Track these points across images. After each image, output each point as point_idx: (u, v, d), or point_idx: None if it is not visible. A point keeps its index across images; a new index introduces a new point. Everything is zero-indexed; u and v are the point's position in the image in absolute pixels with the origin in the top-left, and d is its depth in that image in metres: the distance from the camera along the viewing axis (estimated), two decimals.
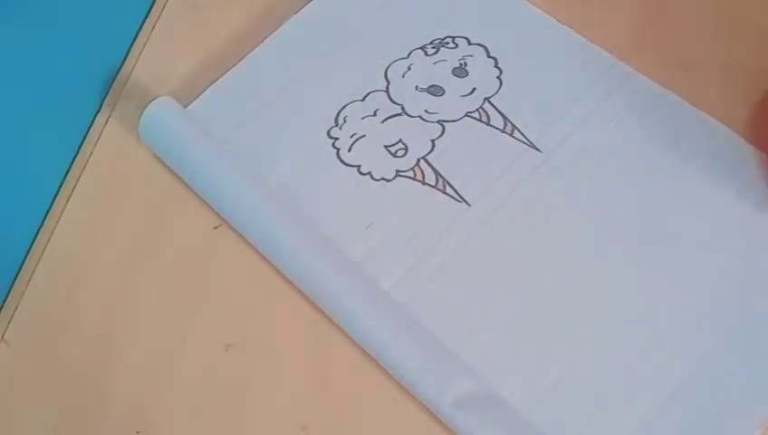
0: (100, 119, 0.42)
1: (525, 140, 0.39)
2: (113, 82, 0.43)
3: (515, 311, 0.35)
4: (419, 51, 0.42)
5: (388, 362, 0.34)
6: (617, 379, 0.33)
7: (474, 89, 0.40)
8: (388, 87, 0.41)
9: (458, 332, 0.34)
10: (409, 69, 0.41)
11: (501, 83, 0.40)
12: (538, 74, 0.40)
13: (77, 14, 0.43)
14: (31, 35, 0.41)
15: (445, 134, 0.39)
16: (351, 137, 0.39)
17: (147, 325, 0.36)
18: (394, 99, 0.40)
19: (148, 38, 0.44)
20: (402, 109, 0.40)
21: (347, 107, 0.40)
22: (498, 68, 0.41)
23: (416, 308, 0.35)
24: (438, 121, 0.40)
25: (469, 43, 0.42)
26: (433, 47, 0.42)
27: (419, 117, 0.40)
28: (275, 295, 0.37)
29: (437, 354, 0.34)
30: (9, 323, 0.37)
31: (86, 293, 0.37)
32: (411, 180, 0.38)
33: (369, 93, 0.41)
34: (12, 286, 0.38)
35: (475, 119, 0.39)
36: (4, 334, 0.37)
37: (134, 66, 0.43)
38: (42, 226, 0.39)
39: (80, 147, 0.41)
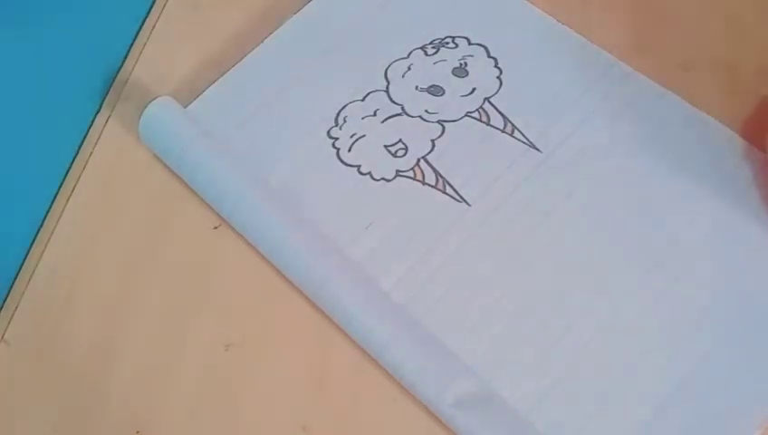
0: (100, 119, 0.42)
1: (525, 140, 0.39)
2: (113, 82, 0.43)
3: (515, 311, 0.35)
4: (419, 51, 0.42)
5: (388, 362, 0.34)
6: (617, 379, 0.33)
7: (474, 89, 0.40)
8: (388, 87, 0.41)
9: (458, 332, 0.34)
10: (409, 69, 0.41)
11: (501, 83, 0.40)
12: (538, 74, 0.40)
13: (77, 14, 0.43)
14: (31, 35, 0.41)
15: (445, 134, 0.39)
16: (351, 137, 0.39)
17: (147, 325, 0.36)
18: (394, 99, 0.40)
19: (148, 38, 0.44)
20: (402, 109, 0.40)
21: (347, 107, 0.40)
22: (498, 68, 0.41)
23: (416, 308, 0.35)
24: (438, 121, 0.40)
25: (469, 43, 0.42)
26: (433, 47, 0.42)
27: (419, 117, 0.40)
28: (275, 295, 0.37)
29: (437, 354, 0.34)
30: (9, 323, 0.37)
31: (86, 293, 0.37)
32: (411, 180, 0.38)
33: (369, 93, 0.41)
34: (12, 286, 0.38)
35: (475, 119, 0.39)
36: (4, 334, 0.37)
37: (134, 66, 0.43)
38: (42, 226, 0.39)
39: (80, 147, 0.41)
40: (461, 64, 0.41)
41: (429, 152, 0.39)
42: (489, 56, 0.41)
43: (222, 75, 0.41)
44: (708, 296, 0.35)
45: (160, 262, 0.38)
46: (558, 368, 0.34)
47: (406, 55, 0.42)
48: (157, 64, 0.43)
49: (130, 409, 0.35)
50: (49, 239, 0.39)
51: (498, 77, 0.40)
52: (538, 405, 0.33)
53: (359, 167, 0.39)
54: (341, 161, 0.39)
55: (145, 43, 0.44)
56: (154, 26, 0.44)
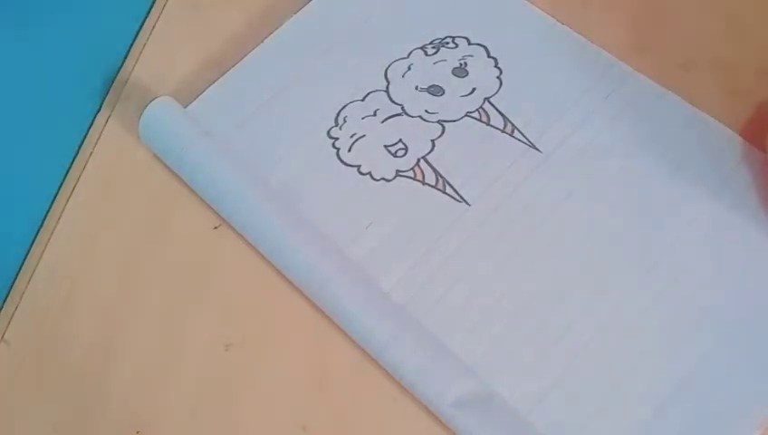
0: (100, 119, 0.42)
1: (525, 140, 0.39)
2: (113, 82, 0.43)
3: (515, 311, 0.35)
4: (419, 51, 0.42)
5: (388, 362, 0.34)
6: (617, 379, 0.33)
7: (474, 89, 0.40)
8: (388, 87, 0.41)
9: (458, 332, 0.34)
10: (409, 69, 0.41)
11: (501, 83, 0.40)
12: (538, 74, 0.40)
13: (77, 15, 0.43)
14: (31, 35, 0.41)
15: (445, 134, 0.39)
16: (351, 137, 0.39)
17: (147, 325, 0.36)
18: (394, 99, 0.40)
19: (148, 38, 0.44)
20: (402, 109, 0.40)
21: (347, 107, 0.40)
22: (498, 68, 0.41)
23: (416, 308, 0.35)
24: (438, 121, 0.40)
25: (469, 43, 0.42)
26: (433, 47, 0.42)
27: (419, 117, 0.40)
28: (275, 295, 0.37)
29: (437, 354, 0.34)
30: (9, 323, 0.37)
31: (86, 292, 0.37)
32: (411, 180, 0.38)
33: (369, 93, 0.41)
34: (12, 286, 0.38)
35: (475, 119, 0.39)
36: (4, 334, 0.37)
37: (134, 66, 0.43)
38: (42, 226, 0.39)
39: (80, 147, 0.41)
40: (461, 64, 0.41)
41: (429, 152, 0.39)
42: (489, 56, 0.41)
43: (222, 75, 0.41)
44: (708, 296, 0.35)
45: (160, 262, 0.38)
46: (558, 368, 0.34)
47: (406, 55, 0.42)
48: (157, 64, 0.43)
49: (130, 409, 0.35)
50: (49, 239, 0.39)
51: (498, 77, 0.40)
52: (538, 405, 0.33)
53: (359, 167, 0.39)
54: (341, 161, 0.39)
55: (145, 43, 0.44)
56: (154, 26, 0.44)
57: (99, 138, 0.41)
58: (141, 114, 0.39)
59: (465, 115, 0.40)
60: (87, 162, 0.41)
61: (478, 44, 0.41)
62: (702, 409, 0.32)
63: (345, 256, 0.36)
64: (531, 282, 0.35)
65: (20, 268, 0.38)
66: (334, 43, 0.42)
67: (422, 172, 0.38)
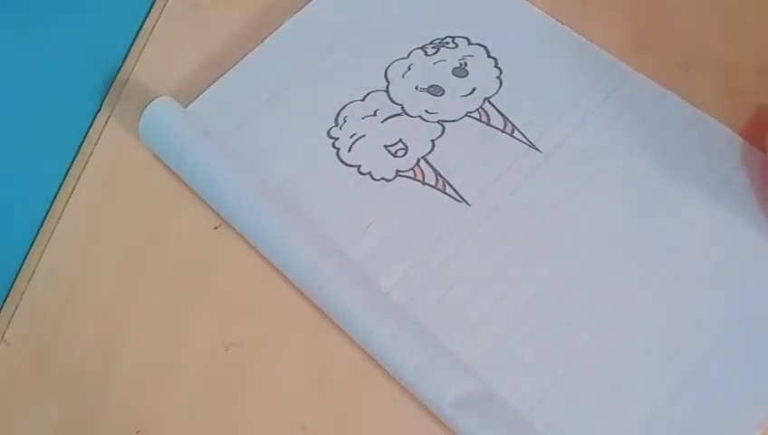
0: (100, 119, 0.42)
1: (525, 140, 0.39)
2: (113, 82, 0.43)
3: (515, 311, 0.35)
4: (419, 51, 0.42)
5: (388, 362, 0.34)
6: (617, 379, 0.33)
7: (474, 89, 0.40)
8: (388, 87, 0.41)
9: (458, 332, 0.34)
10: (409, 69, 0.41)
11: (501, 83, 0.40)
12: (538, 74, 0.40)
13: (77, 15, 0.43)
14: (31, 35, 0.41)
15: (445, 134, 0.39)
16: (351, 137, 0.39)
17: (147, 325, 0.36)
18: (394, 99, 0.40)
19: (148, 38, 0.44)
20: (402, 109, 0.40)
21: (347, 107, 0.40)
22: (498, 68, 0.41)
23: (416, 308, 0.35)
24: (438, 121, 0.40)
25: (469, 43, 0.42)
26: (433, 47, 0.42)
27: (419, 117, 0.40)
28: (275, 295, 0.37)
29: (437, 354, 0.34)
30: (9, 323, 0.37)
31: (86, 292, 0.37)
32: (411, 180, 0.38)
33: (369, 93, 0.41)
34: (12, 286, 0.38)
35: (475, 119, 0.40)
36: (4, 334, 0.37)
37: (134, 66, 0.43)
38: (42, 226, 0.39)
39: (80, 147, 0.41)
40: (461, 64, 0.41)
41: (429, 152, 0.39)
42: (489, 56, 0.41)
43: (222, 75, 0.41)
44: (708, 296, 0.35)
45: (160, 262, 0.38)
46: (558, 368, 0.34)
47: (406, 55, 0.42)
48: (157, 64, 0.43)
49: (130, 409, 0.35)
50: (49, 239, 0.39)
51: (498, 77, 0.40)
52: (538, 405, 0.33)
53: (359, 167, 0.39)
54: (341, 161, 0.39)
55: (145, 43, 0.44)
56: (154, 26, 0.44)
57: (99, 138, 0.41)
58: (141, 114, 0.39)
59: (465, 115, 0.40)
60: (87, 162, 0.41)
61: (478, 44, 0.41)
62: (702, 409, 0.32)
63: (345, 256, 0.36)
64: (531, 282, 0.35)
65: (20, 268, 0.38)
66: (334, 43, 0.42)
67: (422, 172, 0.38)
